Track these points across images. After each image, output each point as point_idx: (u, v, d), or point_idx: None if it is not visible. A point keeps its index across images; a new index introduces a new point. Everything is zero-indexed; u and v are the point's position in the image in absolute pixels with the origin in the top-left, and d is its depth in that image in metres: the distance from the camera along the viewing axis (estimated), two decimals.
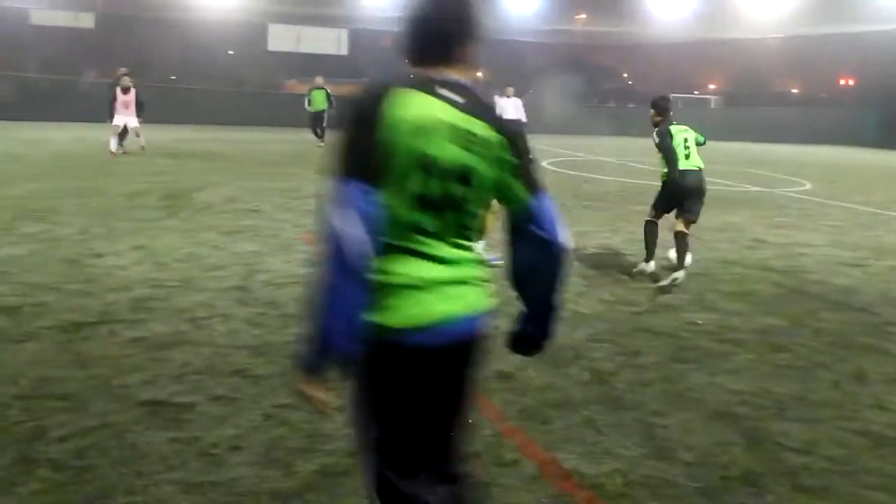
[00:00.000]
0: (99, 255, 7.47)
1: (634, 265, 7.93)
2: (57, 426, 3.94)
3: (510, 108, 18.87)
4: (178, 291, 6.34)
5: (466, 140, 2.18)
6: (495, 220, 8.15)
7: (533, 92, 43.76)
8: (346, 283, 2.06)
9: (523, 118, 18.97)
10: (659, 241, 7.73)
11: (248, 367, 4.77)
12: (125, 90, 16.90)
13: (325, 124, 22.09)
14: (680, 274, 7.23)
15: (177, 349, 5.05)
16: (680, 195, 7.54)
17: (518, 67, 54.39)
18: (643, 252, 7.79)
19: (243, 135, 25.15)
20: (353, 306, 2.11)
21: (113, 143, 16.68)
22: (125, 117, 16.92)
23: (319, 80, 22.85)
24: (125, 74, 17.58)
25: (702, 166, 7.56)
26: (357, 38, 53.79)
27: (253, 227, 9.15)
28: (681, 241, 7.42)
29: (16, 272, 6.79)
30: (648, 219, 7.77)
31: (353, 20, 49.24)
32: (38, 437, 3.83)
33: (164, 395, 4.34)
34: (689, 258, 7.44)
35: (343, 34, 54.42)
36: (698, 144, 7.70)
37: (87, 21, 52.27)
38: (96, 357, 4.87)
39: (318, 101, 22.17)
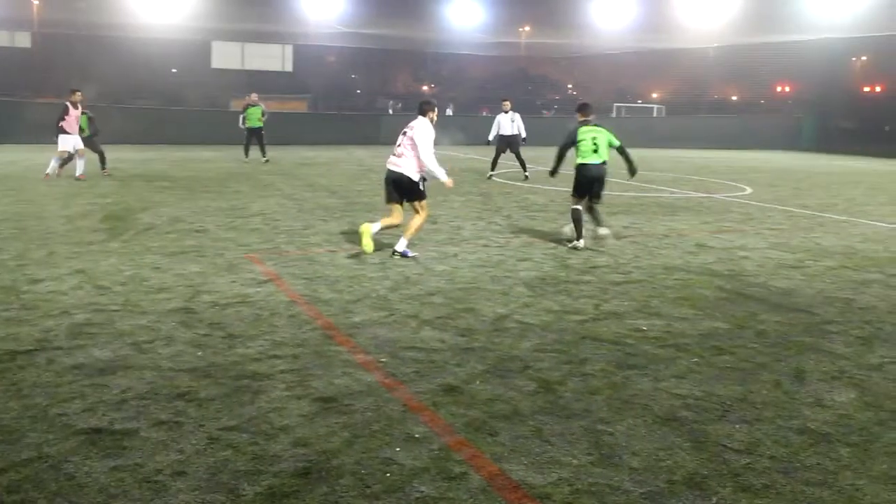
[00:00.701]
0: (36, 281, 7.27)
1: (581, 274, 8.05)
2: None
3: (506, 123, 18.70)
4: (119, 315, 6.21)
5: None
6: (422, 221, 8.37)
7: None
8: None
9: (522, 133, 18.85)
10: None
11: (193, 390, 4.69)
12: (75, 105, 16.35)
13: (264, 141, 21.92)
14: (604, 230, 9.55)
15: (118, 375, 4.94)
16: (586, 181, 9.54)
17: (462, 80, 54.78)
18: (589, 262, 8.19)
19: (188, 154, 24.81)
20: None
21: (53, 166, 16.20)
22: (73, 138, 16.27)
23: (254, 96, 22.67)
24: (76, 91, 17.00)
25: (605, 160, 9.56)
26: (302, 55, 53.60)
27: (197, 247, 9.01)
28: (591, 211, 9.68)
29: None
30: (573, 206, 9.68)
31: (297, 36, 49.01)
32: None
33: (105, 422, 4.24)
34: (605, 230, 9.58)
35: (288, 50, 54.14)
36: (611, 146, 9.61)
37: (23, 41, 51.22)
38: (32, 386, 4.74)
39: (254, 118, 21.94)
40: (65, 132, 16.05)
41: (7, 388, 4.69)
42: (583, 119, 9.67)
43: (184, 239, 9.47)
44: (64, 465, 3.77)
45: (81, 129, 16.34)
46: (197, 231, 10.05)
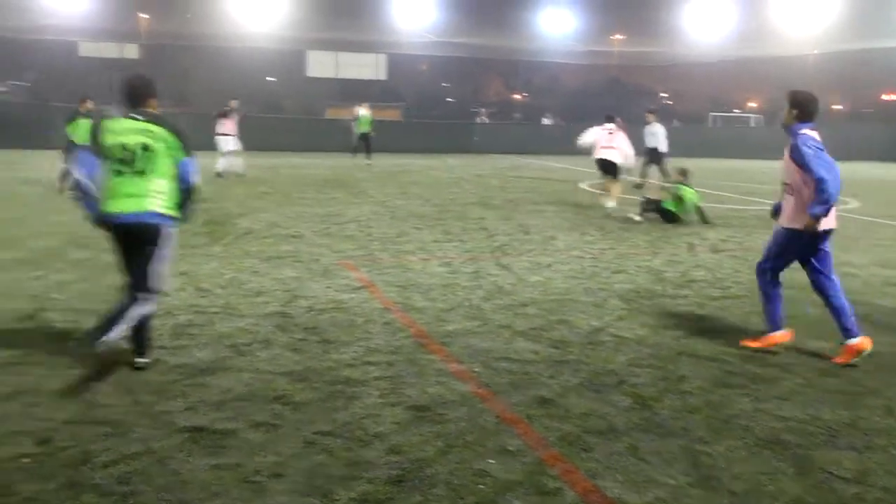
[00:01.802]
0: None
1: (677, 288, 7.90)
2: (102, 452, 3.99)
3: (648, 135, 18.15)
4: (219, 318, 6.40)
5: None
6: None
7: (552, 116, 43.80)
8: None
9: (660, 146, 18.14)
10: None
11: (289, 394, 4.79)
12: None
13: (370, 146, 24.43)
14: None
15: (218, 375, 5.08)
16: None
17: (554, 89, 54.50)
18: (687, 276, 8.53)
19: (284, 160, 25.43)
20: None
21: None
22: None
23: (363, 105, 25.17)
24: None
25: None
26: (395, 63, 54.38)
27: (293, 252, 9.21)
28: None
29: (64, 298, 6.92)
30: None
31: (391, 45, 49.71)
32: (84, 462, 3.87)
33: (206, 421, 4.37)
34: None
35: (381, 59, 55.04)
36: None
37: (131, 52, 53.55)
38: (140, 383, 4.93)
39: (364, 125, 24.35)
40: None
41: (116, 385, 4.89)
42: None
43: (281, 244, 9.70)
44: (169, 461, 3.90)
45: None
46: (293, 236, 10.28)
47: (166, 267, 5.38)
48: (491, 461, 3.98)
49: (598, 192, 15.56)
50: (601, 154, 13.89)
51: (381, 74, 55.54)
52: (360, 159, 24.39)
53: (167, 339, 5.79)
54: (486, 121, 44.47)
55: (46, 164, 13.29)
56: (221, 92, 48.02)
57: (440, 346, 5.82)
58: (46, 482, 3.68)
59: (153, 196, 5.07)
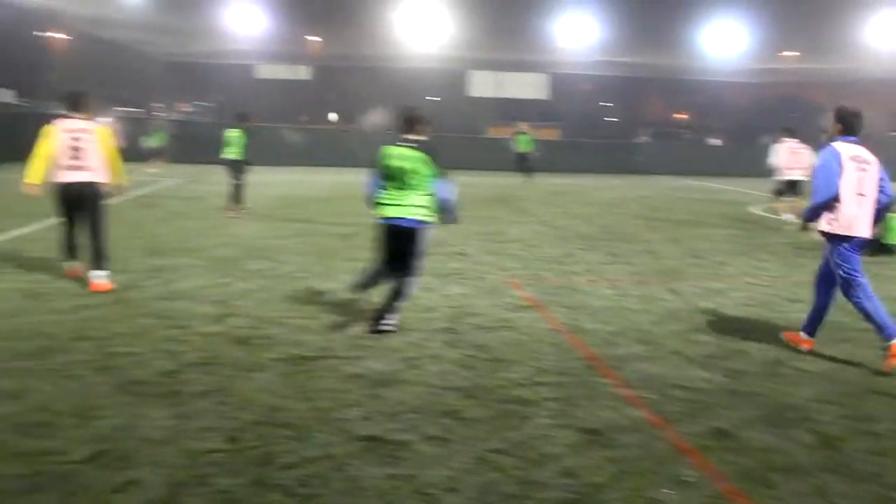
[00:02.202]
0: (318, 293, 7.92)
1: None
2: (285, 453, 4.19)
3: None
4: (391, 331, 6.58)
5: None
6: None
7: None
8: None
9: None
10: None
11: (460, 410, 4.86)
12: None
13: (529, 165, 24.76)
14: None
15: (391, 387, 5.23)
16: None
17: (721, 108, 52.68)
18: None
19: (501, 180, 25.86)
20: None
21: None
22: None
23: (523, 125, 25.75)
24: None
25: None
26: (557, 83, 54.27)
27: (460, 270, 9.35)
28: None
29: (246, 305, 7.33)
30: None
31: (554, 65, 49.66)
32: (269, 462, 4.09)
33: (381, 431, 4.50)
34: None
35: (543, 79, 55.09)
36: None
37: (304, 73, 56.26)
38: (318, 390, 5.14)
39: (522, 144, 24.91)
40: None
41: (297, 390, 5.13)
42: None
43: (448, 261, 9.86)
44: (347, 467, 4.05)
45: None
46: (459, 254, 10.43)
47: (423, 259, 6.71)
48: (666, 491, 3.88)
49: (776, 214, 14.92)
50: (789, 175, 14.38)
51: (543, 94, 55.59)
52: (524, 178, 24.67)
53: (343, 350, 6.01)
54: (649, 140, 43.57)
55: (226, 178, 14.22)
56: (387, 110, 49.56)
57: (610, 369, 5.73)
58: (236, 477, 3.91)
59: (414, 206, 6.45)
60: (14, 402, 4.81)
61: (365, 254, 10.14)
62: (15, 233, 11.48)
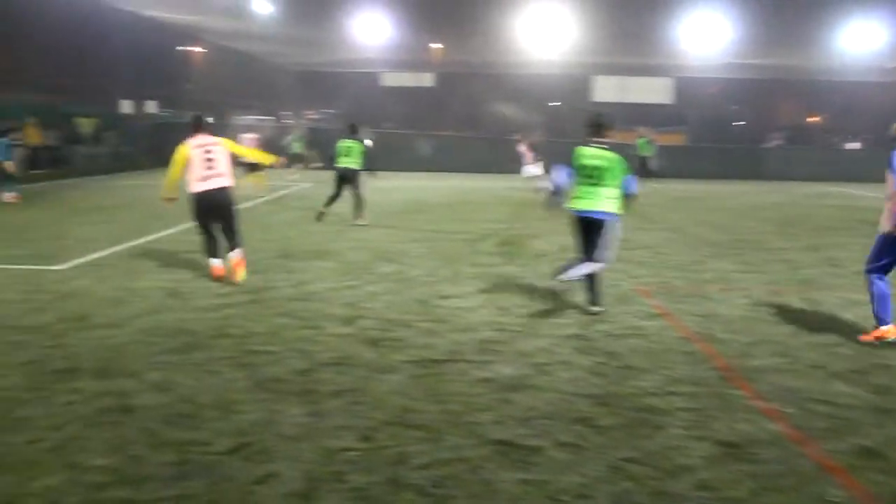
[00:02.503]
0: (445, 297, 8.00)
1: None
2: (418, 454, 4.24)
3: None
4: (520, 336, 6.57)
5: None
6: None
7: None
8: None
9: None
10: None
11: (592, 417, 4.80)
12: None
13: (649, 167, 24.80)
14: None
15: (522, 392, 5.22)
16: None
17: (859, 110, 50.06)
18: None
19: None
20: None
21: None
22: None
23: (643, 130, 26.03)
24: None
25: None
26: (683, 87, 53.01)
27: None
28: None
29: (376, 308, 7.49)
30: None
31: (679, 69, 48.47)
32: (402, 462, 4.15)
33: (513, 436, 4.50)
34: None
35: (669, 83, 53.91)
36: None
37: (427, 80, 57.07)
38: (449, 393, 5.19)
39: (643, 149, 25.27)
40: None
41: (428, 392, 5.19)
42: None
43: None
44: (480, 470, 4.07)
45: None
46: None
47: (612, 247, 7.47)
48: None
49: None
50: None
51: (668, 98, 54.40)
52: (649, 183, 24.25)
53: (473, 354, 6.05)
54: (781, 144, 41.84)
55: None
56: (509, 117, 49.65)
57: (746, 381, 5.54)
58: (370, 475, 3.99)
59: (604, 199, 7.23)
60: (162, 395, 5.08)
61: (490, 259, 10.21)
62: (159, 234, 12.14)
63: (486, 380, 5.46)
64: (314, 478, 3.96)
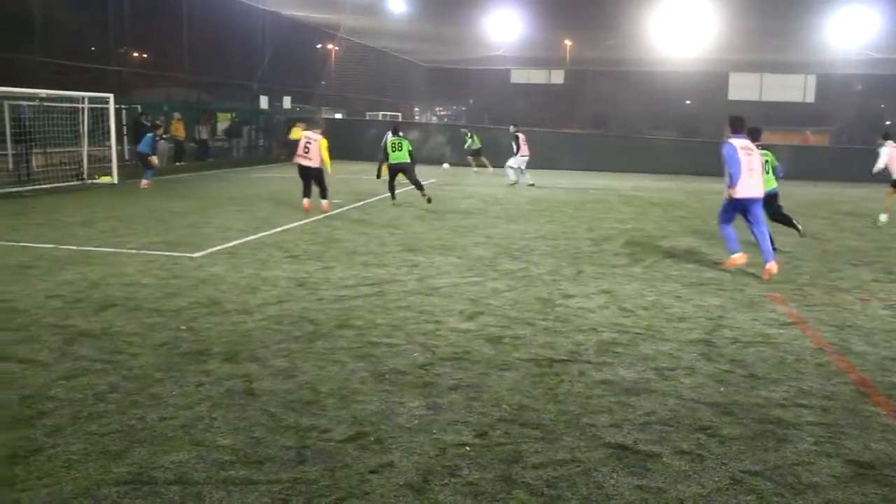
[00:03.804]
0: (568, 296, 7.92)
1: None
2: (532, 453, 4.21)
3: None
4: (642, 339, 6.43)
5: None
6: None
7: None
8: None
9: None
10: None
11: (714, 426, 4.63)
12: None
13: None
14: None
15: (642, 396, 5.10)
16: None
17: None
18: None
19: (702, 185, 24.88)
20: None
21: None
22: None
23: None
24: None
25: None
26: (825, 84, 50.54)
27: (717, 280, 8.95)
28: None
29: (498, 305, 7.49)
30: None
31: (822, 65, 46.16)
32: (516, 460, 4.13)
33: (630, 440, 4.40)
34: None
35: (810, 80, 51.55)
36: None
37: (557, 78, 56.69)
38: (567, 393, 5.13)
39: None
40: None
41: (546, 392, 5.15)
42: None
43: (703, 270, 9.48)
44: (594, 473, 3.99)
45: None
46: (716, 263, 9.98)
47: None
48: None
49: None
50: None
51: (809, 97, 52.02)
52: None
53: (592, 355, 5.96)
54: None
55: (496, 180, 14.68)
56: (639, 115, 48.66)
57: (886, 398, 5.21)
58: (484, 471, 3.99)
59: (768, 183, 10.42)
60: (285, 381, 5.25)
61: (615, 259, 10.03)
62: (290, 225, 12.58)
63: (606, 382, 5.37)
64: (428, 470, 3.99)
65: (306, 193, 14.75)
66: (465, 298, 7.71)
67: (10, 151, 19.27)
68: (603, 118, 51.07)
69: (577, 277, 8.90)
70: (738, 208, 9.45)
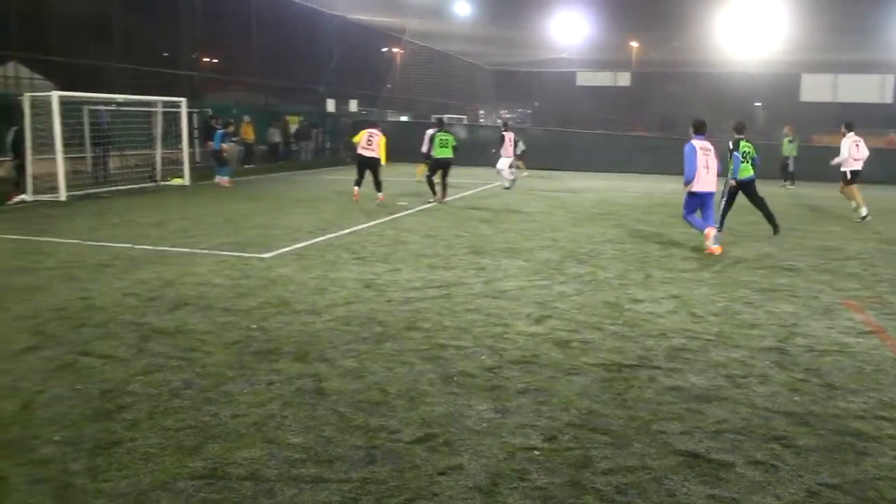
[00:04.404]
0: (636, 301, 7.82)
1: None
2: (601, 458, 4.17)
3: None
4: (713, 345, 6.31)
5: None
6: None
7: None
8: None
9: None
10: None
11: (790, 436, 4.52)
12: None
13: (788, 169, 24.98)
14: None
15: (713, 404, 5.01)
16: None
17: None
18: None
19: (773, 189, 24.26)
20: None
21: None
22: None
23: (787, 128, 25.49)
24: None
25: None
26: None
27: (789, 286, 8.72)
28: None
29: (565, 309, 7.44)
30: None
31: None
32: (585, 465, 4.09)
33: (702, 448, 4.33)
34: None
35: (888, 80, 49.96)
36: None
37: (623, 80, 56.12)
38: (636, 399, 5.06)
39: (787, 149, 25.12)
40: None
41: (614, 397, 5.09)
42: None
43: (775, 276, 9.26)
44: (665, 481, 3.93)
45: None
46: (788, 269, 9.74)
47: None
48: None
49: None
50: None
51: (888, 97, 50.41)
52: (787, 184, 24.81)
53: (662, 360, 5.88)
54: None
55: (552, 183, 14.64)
56: (707, 118, 47.85)
57: None
58: (553, 476, 3.96)
59: (747, 171, 12.25)
60: (354, 381, 5.30)
61: (684, 264, 9.88)
62: (357, 227, 12.71)
63: (676, 388, 5.28)
64: (497, 473, 3.99)
65: (358, 183, 16.54)
66: (533, 302, 7.69)
67: (88, 154, 19.94)
68: (670, 121, 50.30)
69: (645, 282, 8.79)
70: (697, 201, 10.95)
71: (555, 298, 7.86)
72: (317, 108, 33.87)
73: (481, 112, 53.31)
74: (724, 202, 12.44)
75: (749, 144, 12.39)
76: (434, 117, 25.20)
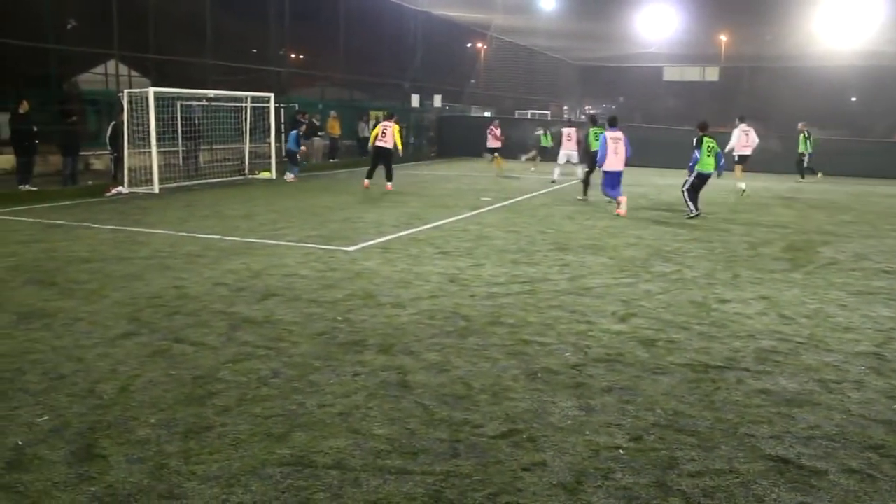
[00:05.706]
0: (724, 301, 7.66)
1: None
2: (688, 460, 4.10)
3: None
4: (804, 348, 6.13)
5: None
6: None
7: None
8: None
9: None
10: None
11: (888, 445, 4.36)
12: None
13: (804, 164, 24.29)
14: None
15: (804, 409, 4.87)
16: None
17: None
18: None
19: (870, 187, 23.43)
20: None
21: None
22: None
23: (801, 124, 24.49)
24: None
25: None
26: None
27: (887, 289, 8.39)
28: None
29: (651, 307, 7.34)
30: None
31: None
32: (671, 466, 4.03)
33: (792, 454, 4.21)
34: None
35: None
36: None
37: (711, 75, 54.84)
38: (724, 401, 4.96)
39: (802, 145, 24.14)
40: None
41: (701, 398, 5.00)
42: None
43: (870, 279, 8.93)
44: (753, 486, 3.85)
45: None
46: (885, 272, 9.37)
47: None
48: None
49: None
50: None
51: None
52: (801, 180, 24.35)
53: (751, 362, 5.75)
54: None
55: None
56: (798, 113, 46.34)
57: None
58: (638, 476, 3.92)
59: (710, 165, 14.20)
60: (438, 375, 5.35)
61: (774, 264, 9.63)
62: (440, 222, 12.79)
63: (765, 391, 5.15)
64: (581, 471, 3.97)
65: (370, 175, 17.85)
66: (618, 300, 7.61)
67: (180, 148, 20.61)
68: (761, 116, 48.94)
69: (733, 282, 8.59)
70: (610, 177, 14.72)
71: (640, 297, 7.76)
72: (401, 103, 34.16)
73: (565, 108, 52.86)
74: (686, 190, 14.42)
75: (713, 140, 14.38)
76: (521, 110, 25.27)
